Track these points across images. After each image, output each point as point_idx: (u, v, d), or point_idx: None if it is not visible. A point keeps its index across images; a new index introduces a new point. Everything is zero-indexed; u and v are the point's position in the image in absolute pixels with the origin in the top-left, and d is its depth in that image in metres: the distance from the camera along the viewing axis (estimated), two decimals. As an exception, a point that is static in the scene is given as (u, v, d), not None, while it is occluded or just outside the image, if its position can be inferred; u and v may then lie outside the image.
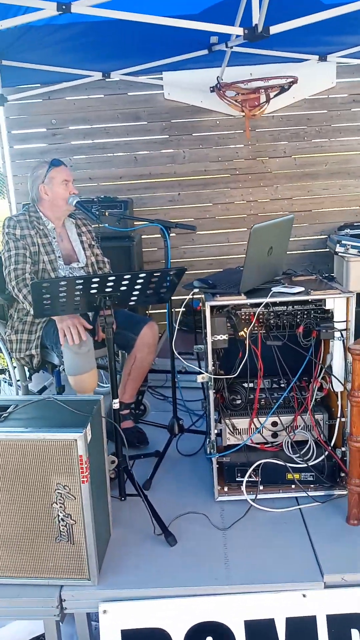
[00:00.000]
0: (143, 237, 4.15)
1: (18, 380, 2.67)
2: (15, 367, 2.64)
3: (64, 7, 2.16)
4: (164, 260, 4.35)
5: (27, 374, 2.69)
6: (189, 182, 4.32)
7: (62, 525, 1.63)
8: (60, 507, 1.61)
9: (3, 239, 2.50)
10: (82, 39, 3.47)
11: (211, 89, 3.93)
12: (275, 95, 3.88)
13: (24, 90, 4.08)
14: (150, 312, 4.04)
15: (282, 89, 3.79)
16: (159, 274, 1.91)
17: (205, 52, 3.79)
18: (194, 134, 4.24)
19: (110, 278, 1.78)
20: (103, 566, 1.76)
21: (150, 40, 3.45)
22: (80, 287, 1.79)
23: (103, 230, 2.63)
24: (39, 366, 2.47)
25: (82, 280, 1.78)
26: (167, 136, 4.25)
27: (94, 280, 1.78)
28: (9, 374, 2.73)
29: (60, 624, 1.78)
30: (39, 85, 4.09)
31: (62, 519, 1.62)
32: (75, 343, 2.18)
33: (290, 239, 4.30)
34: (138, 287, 1.88)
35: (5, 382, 2.84)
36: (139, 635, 1.63)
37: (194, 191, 4.33)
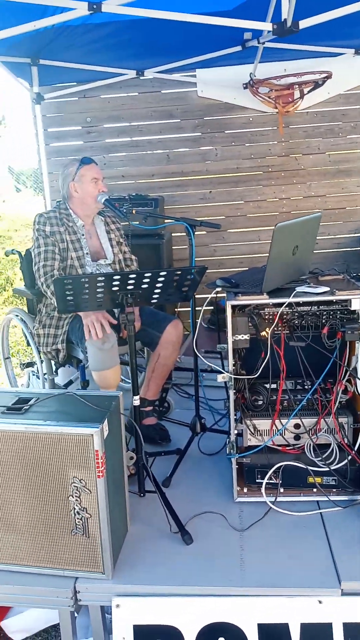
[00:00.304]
0: (173, 234, 4.15)
1: (45, 374, 2.72)
2: (42, 361, 2.70)
3: (94, 6, 2.18)
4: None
5: (54, 367, 2.74)
6: (220, 179, 4.30)
7: (77, 518, 1.65)
8: (77, 500, 1.63)
9: (33, 236, 2.55)
10: (116, 38, 3.50)
11: (244, 85, 3.90)
12: (310, 91, 3.82)
13: (60, 88, 4.15)
14: (178, 309, 4.05)
15: (317, 85, 3.73)
16: (179, 273, 1.90)
17: (239, 48, 3.75)
18: (226, 131, 4.22)
19: (131, 276, 1.79)
20: (119, 561, 1.78)
21: (184, 37, 3.45)
22: (102, 284, 1.81)
23: (134, 228, 2.64)
24: (64, 360, 2.52)
25: (103, 278, 1.79)
26: (200, 134, 4.24)
27: (115, 277, 1.79)
28: (37, 367, 2.79)
29: (76, 614, 1.81)
30: (74, 83, 4.15)
31: (78, 512, 1.64)
32: (99, 338, 2.20)
33: (324, 237, 4.23)
34: (159, 285, 1.89)
35: (34, 374, 2.91)
36: (151, 632, 1.64)
37: (225, 189, 4.30)
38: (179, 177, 4.30)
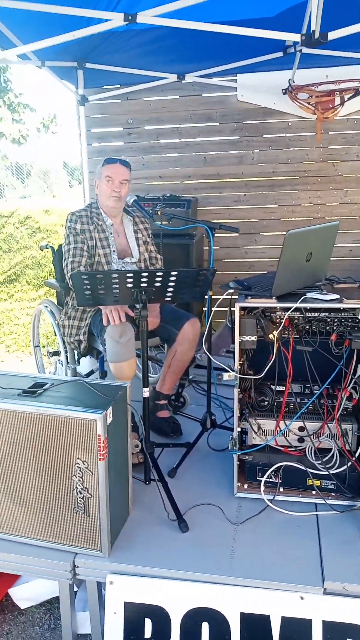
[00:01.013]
0: (204, 235, 4.24)
1: (68, 363, 2.88)
2: (66, 350, 2.86)
3: (130, 17, 2.29)
4: (224, 259, 4.45)
5: (76, 357, 2.90)
6: (256, 183, 4.35)
7: (79, 498, 1.77)
8: (79, 480, 1.76)
9: (65, 233, 2.70)
10: (159, 43, 3.62)
11: (283, 91, 3.93)
12: (350, 98, 3.80)
13: (104, 91, 4.32)
14: (205, 308, 4.13)
15: (357, 92, 3.71)
16: (190, 273, 1.99)
17: (280, 54, 3.80)
18: (264, 136, 4.26)
19: (143, 274, 1.90)
20: (117, 541, 1.89)
21: (225, 43, 3.52)
22: (117, 280, 1.92)
23: (162, 228, 2.74)
24: (85, 351, 2.66)
25: (117, 275, 1.91)
26: (238, 137, 4.30)
27: (129, 275, 1.90)
28: (62, 356, 2.95)
29: (76, 588, 1.94)
30: (118, 86, 4.31)
31: (80, 491, 1.77)
32: (116, 323, 2.31)
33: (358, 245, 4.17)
34: (172, 283, 1.98)
35: (60, 363, 3.07)
36: (140, 609, 1.74)
37: (260, 192, 4.35)
38: (214, 179, 4.38)
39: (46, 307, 3.07)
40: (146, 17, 2.34)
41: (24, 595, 2.07)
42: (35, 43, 2.74)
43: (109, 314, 2.34)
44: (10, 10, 2.67)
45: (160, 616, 1.73)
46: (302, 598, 1.67)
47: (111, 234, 2.72)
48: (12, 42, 3.18)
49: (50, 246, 3.03)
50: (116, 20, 2.34)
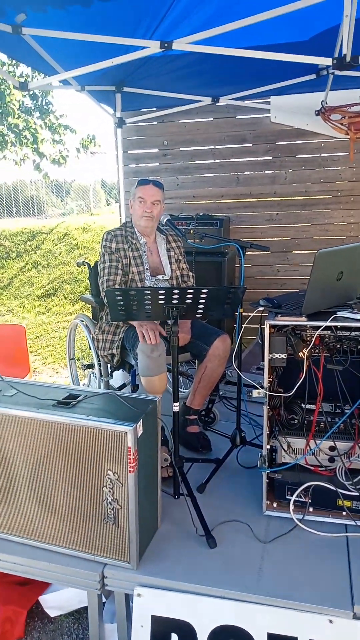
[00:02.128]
0: (237, 253, 4.28)
1: (101, 376, 2.95)
2: (100, 364, 2.93)
3: (166, 44, 2.40)
4: (256, 276, 4.47)
5: (109, 370, 2.96)
6: (288, 202, 4.38)
7: (109, 508, 1.81)
8: (109, 491, 1.80)
9: (100, 251, 2.80)
10: (194, 68, 3.72)
11: (316, 112, 3.96)
12: (384, 118, 3.80)
13: (141, 113, 4.45)
14: (236, 325, 4.15)
15: (391, 112, 3.71)
16: (220, 291, 2.03)
17: (313, 76, 3.84)
18: (297, 156, 4.30)
19: (175, 291, 1.95)
20: (145, 554, 1.92)
21: (259, 67, 3.58)
22: (149, 297, 1.98)
23: (197, 247, 2.80)
24: (118, 365, 2.72)
25: (149, 292, 1.97)
26: (271, 157, 4.36)
27: (161, 292, 1.96)
28: (96, 369, 3.02)
29: (104, 599, 1.97)
30: (154, 109, 4.44)
31: (110, 502, 1.81)
32: (152, 343, 2.37)
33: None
34: (202, 301, 2.03)
35: (93, 375, 3.15)
36: (167, 624, 1.75)
37: (292, 211, 4.38)
38: (247, 199, 4.43)
39: (82, 321, 3.16)
40: (181, 45, 2.44)
41: (53, 603, 2.11)
42: (76, 70, 2.88)
43: (145, 332, 2.40)
44: (53, 39, 2.82)
45: (186, 632, 1.74)
46: (330, 621, 1.65)
47: (145, 252, 2.79)
48: (54, 68, 3.34)
49: (86, 262, 3.13)
50: (153, 47, 2.45)
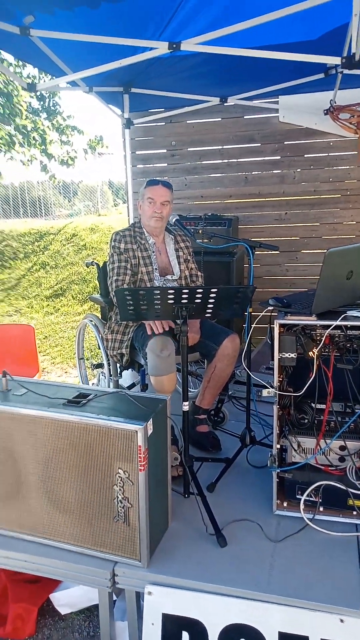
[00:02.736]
0: (246, 254, 4.28)
1: (111, 376, 2.96)
2: (109, 363, 2.94)
3: (174, 45, 2.40)
4: (265, 276, 4.47)
5: (119, 370, 2.98)
6: (297, 201, 4.37)
7: (120, 507, 1.82)
8: (120, 489, 1.81)
9: (109, 251, 2.81)
10: (202, 68, 3.73)
11: (325, 111, 3.95)
12: (393, 116, 3.78)
13: (149, 114, 4.47)
14: (245, 325, 4.15)
15: None
16: (230, 290, 2.04)
17: (321, 75, 3.83)
18: (305, 155, 4.29)
19: (184, 291, 1.95)
20: (156, 552, 1.92)
21: (267, 66, 3.58)
22: (158, 297, 1.99)
23: (203, 247, 2.80)
24: (127, 364, 2.73)
25: (158, 291, 1.97)
26: (279, 157, 4.35)
27: (170, 292, 1.96)
28: (105, 369, 3.03)
29: (115, 597, 1.98)
30: (162, 109, 4.45)
31: (120, 500, 1.81)
32: (160, 332, 2.38)
33: None
34: (212, 300, 2.03)
35: (103, 375, 3.16)
36: (178, 622, 1.76)
37: (301, 210, 4.37)
38: (255, 199, 4.43)
39: (90, 321, 3.17)
40: (190, 45, 2.45)
41: (64, 601, 2.13)
42: (84, 71, 2.89)
43: (152, 324, 2.41)
44: (61, 41, 2.84)
45: (197, 630, 1.74)
46: (342, 621, 1.65)
47: (153, 252, 2.80)
48: (62, 70, 3.36)
49: (95, 263, 3.15)
50: (161, 48, 2.46)
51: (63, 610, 2.12)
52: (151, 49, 2.59)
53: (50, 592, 2.13)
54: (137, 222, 2.88)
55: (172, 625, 1.77)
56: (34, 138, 8.46)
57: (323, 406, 2.13)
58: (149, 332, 2.42)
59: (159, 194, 2.70)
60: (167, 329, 2.40)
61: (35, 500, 1.95)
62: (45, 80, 7.60)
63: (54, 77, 3.59)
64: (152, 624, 1.79)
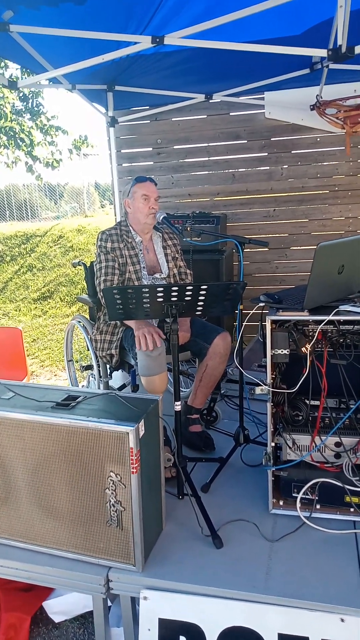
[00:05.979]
0: (234, 251, 4.25)
1: (101, 377, 2.91)
2: (99, 364, 2.89)
3: (157, 39, 2.36)
4: (255, 274, 4.44)
5: (108, 371, 2.93)
6: (285, 198, 4.35)
7: (112, 511, 1.78)
8: (112, 493, 1.76)
9: (96, 251, 2.76)
10: (187, 64, 3.69)
11: (311, 107, 3.94)
12: (380, 111, 3.77)
13: (133, 112, 4.42)
14: (236, 323, 4.13)
15: (386, 104, 3.69)
16: (220, 287, 2.00)
17: (307, 71, 3.81)
18: (293, 152, 4.28)
19: (174, 288, 1.91)
20: (151, 556, 1.88)
21: (252, 62, 3.57)
22: (147, 295, 1.95)
23: (192, 244, 2.76)
24: (117, 365, 2.69)
25: (147, 289, 1.93)
26: (266, 154, 4.33)
27: (159, 289, 1.92)
28: (95, 370, 2.98)
29: (110, 603, 1.93)
30: (147, 107, 4.40)
31: (113, 504, 1.77)
32: (149, 349, 2.33)
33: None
34: (202, 297, 1.99)
35: (92, 376, 3.12)
36: (175, 627, 1.72)
37: (290, 207, 4.35)
38: (243, 196, 4.41)
39: (79, 322, 3.12)
40: (173, 39, 2.40)
41: (58, 608, 2.08)
42: (66, 67, 2.83)
43: (142, 338, 2.32)
44: (41, 36, 2.78)
45: (195, 634, 1.70)
46: (342, 620, 1.61)
47: (141, 250, 2.76)
48: (44, 66, 3.29)
49: (82, 263, 3.09)
50: (144, 42, 2.41)
51: (57, 618, 2.07)
52: (134, 43, 2.54)
53: (44, 599, 2.08)
54: (123, 220, 2.83)
55: (169, 630, 1.72)
56: (21, 139, 8.35)
57: (317, 402, 2.10)
58: (137, 349, 2.35)
59: (152, 190, 2.67)
60: (158, 345, 2.32)
61: (26, 506, 1.90)
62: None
63: (35, 74, 3.51)
64: (149, 629, 1.74)
